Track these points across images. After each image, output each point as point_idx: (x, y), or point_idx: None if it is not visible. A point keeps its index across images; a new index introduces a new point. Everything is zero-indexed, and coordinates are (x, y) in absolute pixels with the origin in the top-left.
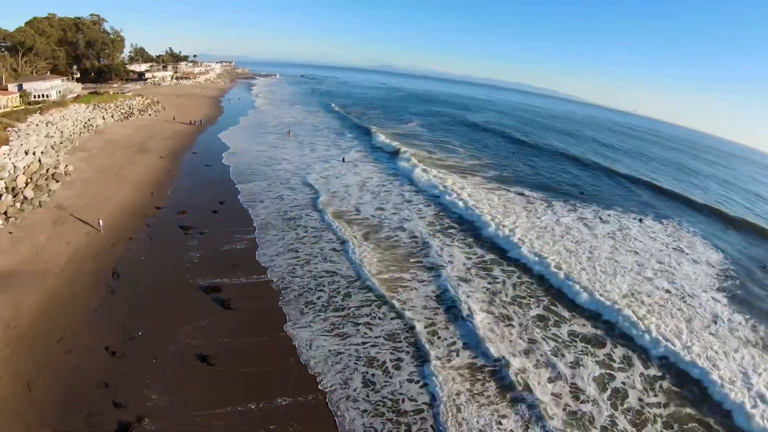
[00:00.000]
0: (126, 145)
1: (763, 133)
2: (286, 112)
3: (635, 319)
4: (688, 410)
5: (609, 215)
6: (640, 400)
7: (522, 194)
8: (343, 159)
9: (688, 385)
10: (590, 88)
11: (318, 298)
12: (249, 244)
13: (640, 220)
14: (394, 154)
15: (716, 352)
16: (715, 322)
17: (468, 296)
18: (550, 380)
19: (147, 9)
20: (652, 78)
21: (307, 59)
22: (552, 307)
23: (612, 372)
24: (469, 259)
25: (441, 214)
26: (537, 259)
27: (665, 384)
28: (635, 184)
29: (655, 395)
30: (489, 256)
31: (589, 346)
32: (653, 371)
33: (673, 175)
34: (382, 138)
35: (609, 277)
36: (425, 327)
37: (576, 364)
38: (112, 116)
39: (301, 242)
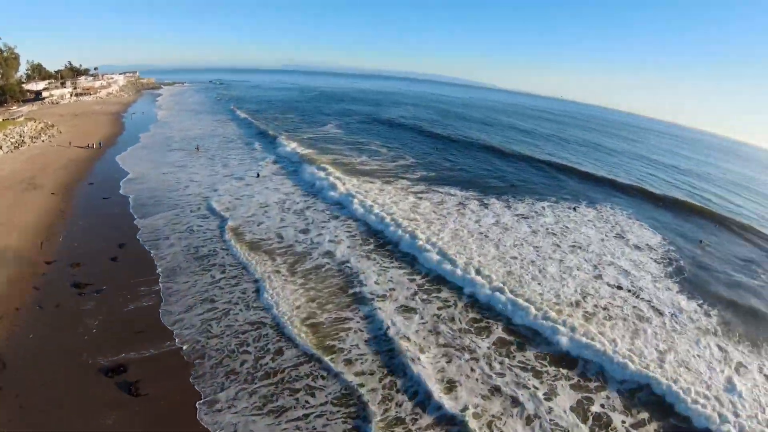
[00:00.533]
0: (14, 181)
1: (677, 108)
2: (193, 124)
3: (602, 347)
4: None
5: (543, 207)
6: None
7: (452, 194)
8: (258, 174)
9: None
10: (505, 74)
11: (242, 364)
12: (156, 299)
13: (574, 209)
14: (311, 164)
15: (686, 365)
16: (676, 319)
17: (417, 332)
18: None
19: (47, 19)
20: (570, 63)
21: (218, 64)
22: (507, 335)
23: (589, 397)
24: (412, 281)
25: (370, 233)
26: (481, 279)
27: (651, 413)
28: (560, 171)
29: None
30: (427, 280)
31: (552, 371)
32: (629, 397)
33: (594, 156)
34: (296, 147)
35: (559, 285)
36: (379, 381)
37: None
38: (0, 148)
39: (217, 287)
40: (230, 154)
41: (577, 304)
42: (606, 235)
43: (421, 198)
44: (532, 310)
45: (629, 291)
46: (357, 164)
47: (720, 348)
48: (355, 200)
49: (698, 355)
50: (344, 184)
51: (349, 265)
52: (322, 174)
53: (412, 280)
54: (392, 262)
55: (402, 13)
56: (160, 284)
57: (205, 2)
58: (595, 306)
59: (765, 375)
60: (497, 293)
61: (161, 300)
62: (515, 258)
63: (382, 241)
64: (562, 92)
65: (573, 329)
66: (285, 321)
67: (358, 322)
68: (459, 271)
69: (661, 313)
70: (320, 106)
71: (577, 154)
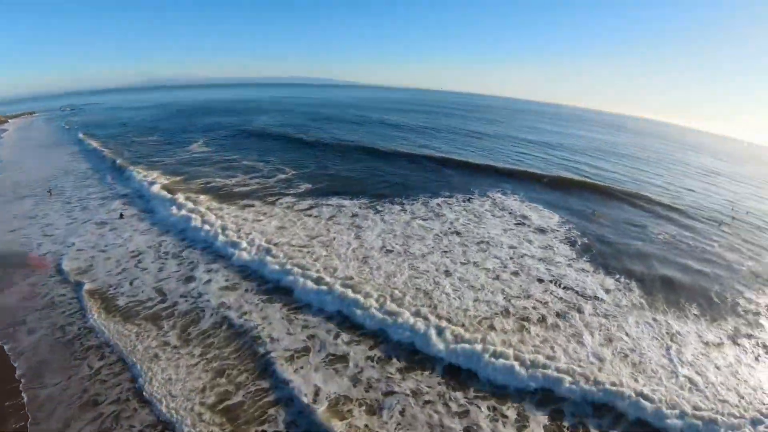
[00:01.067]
0: None
1: (541, 89)
2: (43, 162)
3: (550, 370)
4: None
5: (439, 205)
6: None
7: (343, 205)
8: (121, 215)
9: None
10: (369, 70)
11: None
12: (20, 419)
13: (469, 200)
14: (178, 195)
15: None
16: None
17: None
18: None
19: None
20: (438, 55)
21: (72, 86)
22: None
23: None
24: (324, 330)
25: (257, 278)
26: (387, 317)
27: None
28: (441, 163)
29: None
30: (330, 326)
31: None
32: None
33: (467, 142)
34: (160, 176)
35: (484, 295)
36: None
37: None
38: None
39: (98, 380)
40: (89, 194)
41: (506, 312)
42: (508, 224)
43: (310, 216)
44: (478, 347)
45: (552, 282)
46: (233, 186)
47: (656, 321)
48: (234, 238)
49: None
50: (219, 217)
51: (249, 318)
52: (190, 206)
53: (327, 330)
54: (296, 309)
55: (259, 16)
56: (24, 394)
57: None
58: (527, 311)
59: (705, 342)
60: (434, 334)
61: (28, 418)
62: (427, 273)
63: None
64: (440, 84)
65: (524, 361)
66: (183, 418)
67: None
68: (374, 311)
69: (589, 298)
70: (183, 122)
71: (452, 142)
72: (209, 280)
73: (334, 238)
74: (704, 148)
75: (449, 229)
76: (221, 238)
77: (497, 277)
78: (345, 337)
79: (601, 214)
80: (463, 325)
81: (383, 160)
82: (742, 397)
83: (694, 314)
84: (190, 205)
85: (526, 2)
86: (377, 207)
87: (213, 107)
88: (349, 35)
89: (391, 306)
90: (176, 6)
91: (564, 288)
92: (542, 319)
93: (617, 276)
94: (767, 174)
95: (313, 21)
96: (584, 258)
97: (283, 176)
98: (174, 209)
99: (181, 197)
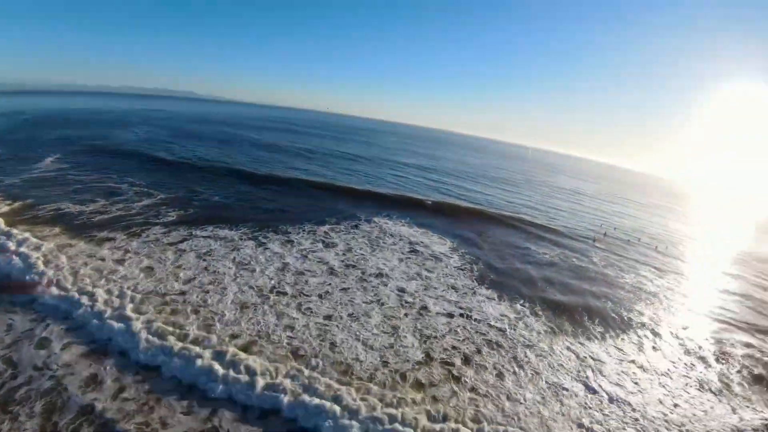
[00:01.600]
0: None
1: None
2: None
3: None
4: None
5: (327, 233)
6: None
7: (221, 237)
8: None
9: None
10: (244, 86)
11: None
12: None
13: (356, 227)
14: (17, 231)
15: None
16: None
17: None
18: None
19: None
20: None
21: None
22: None
23: None
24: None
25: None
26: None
27: None
28: (320, 188)
29: None
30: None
31: None
32: None
33: (344, 166)
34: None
35: (397, 344)
36: None
37: None
38: None
39: None
40: None
41: (427, 361)
42: (403, 252)
43: (183, 250)
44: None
45: (462, 316)
46: (90, 214)
47: (571, 350)
48: (84, 299)
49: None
50: (70, 258)
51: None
52: (31, 243)
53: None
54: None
55: (124, 26)
56: None
57: None
58: (449, 352)
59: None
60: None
61: None
62: (331, 320)
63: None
64: (315, 104)
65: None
66: None
67: None
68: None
69: (503, 331)
70: (34, 134)
71: (330, 165)
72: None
73: (215, 281)
74: (563, 168)
75: (344, 261)
76: (72, 293)
77: (405, 315)
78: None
79: (487, 237)
80: (383, 387)
81: (259, 185)
82: None
83: (599, 332)
84: (32, 241)
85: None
86: (260, 238)
87: (70, 118)
88: (222, 50)
89: (303, 378)
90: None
91: (476, 321)
92: (466, 361)
93: (521, 301)
94: (620, 190)
95: (183, 31)
96: (485, 285)
97: (149, 201)
98: (11, 246)
99: (18, 233)
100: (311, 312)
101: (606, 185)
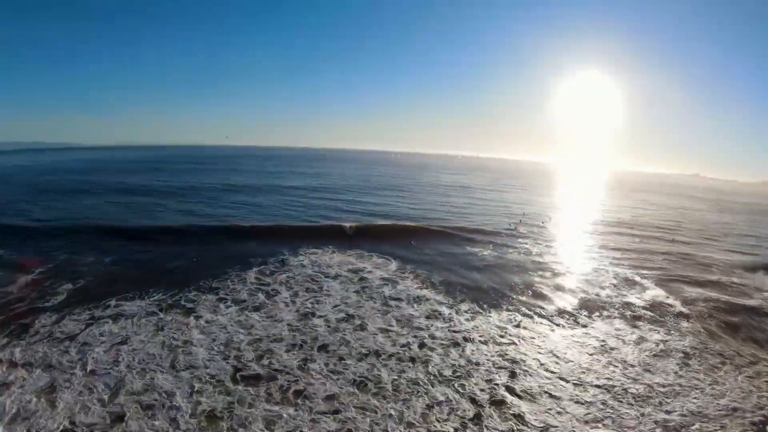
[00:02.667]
0: None
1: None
2: None
3: None
4: None
5: (258, 279)
6: None
7: (134, 314)
8: None
9: None
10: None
11: None
12: None
13: (282, 262)
14: None
15: None
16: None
17: None
18: None
19: None
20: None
21: None
22: None
23: None
24: None
25: None
26: None
27: None
28: (222, 232)
29: None
30: None
31: None
32: None
33: (236, 201)
34: None
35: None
36: None
37: None
38: None
39: None
40: None
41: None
42: (353, 283)
43: (88, 345)
44: None
45: (468, 340)
46: None
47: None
48: None
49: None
50: None
51: None
52: None
53: None
54: None
55: None
56: None
57: None
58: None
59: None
60: None
61: None
62: (342, 405)
63: None
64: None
65: None
66: None
67: None
68: None
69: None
70: None
71: (217, 202)
72: None
73: (151, 385)
74: (434, 167)
75: (298, 311)
76: None
77: (412, 359)
78: None
79: (423, 250)
80: None
81: (147, 239)
82: None
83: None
84: None
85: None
86: (184, 303)
87: None
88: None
89: None
90: None
91: (487, 342)
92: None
93: (507, 309)
94: (500, 178)
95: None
96: (459, 299)
97: (25, 278)
98: None
99: None
100: (307, 399)
101: (487, 176)
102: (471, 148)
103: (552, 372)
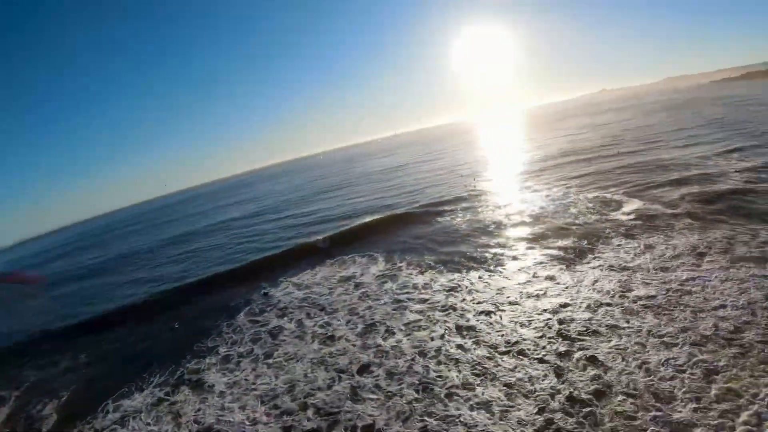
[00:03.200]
0: None
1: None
2: None
3: None
4: None
5: (254, 320)
6: None
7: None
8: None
9: None
10: None
11: None
12: None
13: (265, 294)
14: None
15: None
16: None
17: None
18: None
19: None
20: None
21: None
22: None
23: None
24: None
25: None
26: None
27: None
28: (187, 292)
29: None
30: None
31: None
32: None
33: (182, 252)
34: None
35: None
36: None
37: None
38: None
39: None
40: None
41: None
42: (351, 291)
43: None
44: None
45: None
46: None
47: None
48: None
49: None
50: None
51: None
52: None
53: None
54: None
55: None
56: None
57: None
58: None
59: None
60: None
61: None
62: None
63: None
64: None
65: None
66: None
67: None
68: None
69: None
70: None
71: (156, 264)
72: None
73: None
74: (359, 156)
75: (313, 340)
76: None
77: (461, 346)
78: None
79: (402, 241)
80: None
81: (116, 324)
82: None
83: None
84: None
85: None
86: (189, 377)
87: None
88: None
89: None
90: None
91: (520, 299)
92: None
93: (516, 261)
94: (427, 148)
95: None
96: (464, 270)
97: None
98: None
99: None
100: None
101: (413, 150)
102: (387, 128)
103: (606, 304)
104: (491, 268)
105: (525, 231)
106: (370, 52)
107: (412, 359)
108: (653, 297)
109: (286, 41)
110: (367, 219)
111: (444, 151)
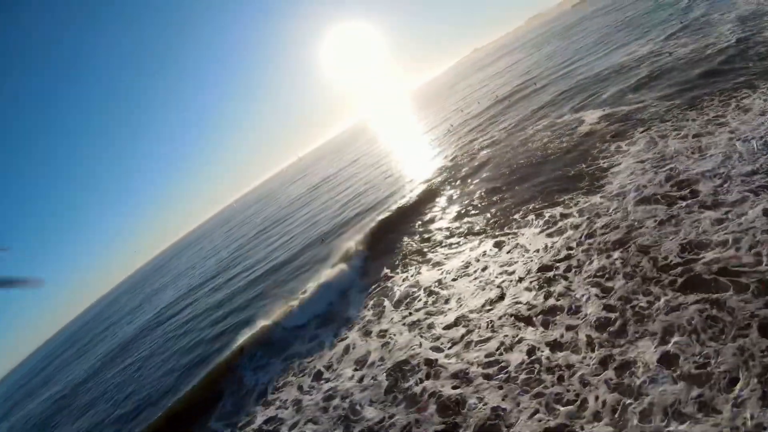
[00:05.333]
0: None
1: None
2: None
3: None
4: None
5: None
6: None
7: None
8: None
9: None
10: None
11: None
12: None
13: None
14: None
15: None
16: None
17: None
18: None
19: None
20: None
21: None
22: None
23: None
24: None
25: None
26: None
27: None
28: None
29: None
30: None
31: None
32: None
33: (117, 382)
34: None
35: None
36: None
37: None
38: None
39: None
40: None
41: None
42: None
43: None
44: None
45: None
46: None
47: None
48: None
49: None
50: None
51: None
52: None
53: None
54: None
55: None
56: None
57: None
58: None
59: None
60: None
61: None
62: None
63: None
64: None
65: None
66: None
67: None
68: None
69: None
70: None
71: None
72: None
73: None
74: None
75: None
76: None
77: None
78: None
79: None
80: None
81: None
82: None
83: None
84: None
85: None
86: None
87: None
88: None
89: None
90: None
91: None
92: None
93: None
94: (344, 158)
95: None
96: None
97: None
98: None
99: None
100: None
101: (327, 165)
102: (290, 154)
103: None
104: (509, 232)
105: (516, 198)
106: (239, 86)
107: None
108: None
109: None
110: (346, 246)
111: (371, 155)
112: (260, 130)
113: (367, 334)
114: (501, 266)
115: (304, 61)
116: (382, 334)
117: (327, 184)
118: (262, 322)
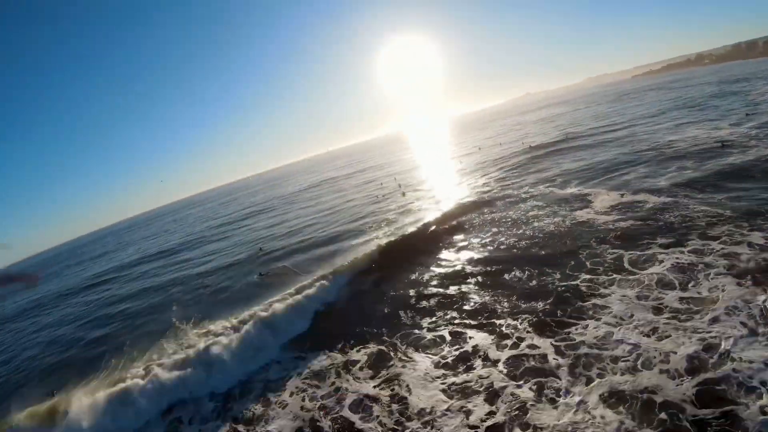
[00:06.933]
0: None
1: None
2: None
3: None
4: None
5: None
6: None
7: None
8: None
9: None
10: None
11: None
12: None
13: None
14: None
15: None
16: None
17: None
18: None
19: None
20: None
21: None
22: None
23: None
24: None
25: None
26: None
27: None
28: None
29: None
30: None
31: None
32: None
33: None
34: None
35: None
36: None
37: None
38: None
39: None
40: None
41: None
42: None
43: None
44: None
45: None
46: None
47: None
48: None
49: None
50: None
51: None
52: None
53: None
54: None
55: None
56: None
57: None
58: None
59: None
60: None
61: None
62: None
63: None
64: None
65: None
66: None
67: None
68: None
69: None
70: None
71: None
72: None
73: None
74: (284, 176)
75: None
76: None
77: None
78: None
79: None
80: None
81: None
82: None
83: None
84: None
85: None
86: None
87: None
88: None
89: None
90: None
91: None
92: None
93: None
94: (359, 163)
95: None
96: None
97: None
98: None
99: None
100: None
101: (350, 163)
102: (316, 147)
103: None
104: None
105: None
106: (300, 71)
107: None
108: None
109: (201, 59)
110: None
111: (413, 164)
112: (307, 116)
113: None
114: None
115: (360, 63)
116: None
117: (315, 189)
118: None
